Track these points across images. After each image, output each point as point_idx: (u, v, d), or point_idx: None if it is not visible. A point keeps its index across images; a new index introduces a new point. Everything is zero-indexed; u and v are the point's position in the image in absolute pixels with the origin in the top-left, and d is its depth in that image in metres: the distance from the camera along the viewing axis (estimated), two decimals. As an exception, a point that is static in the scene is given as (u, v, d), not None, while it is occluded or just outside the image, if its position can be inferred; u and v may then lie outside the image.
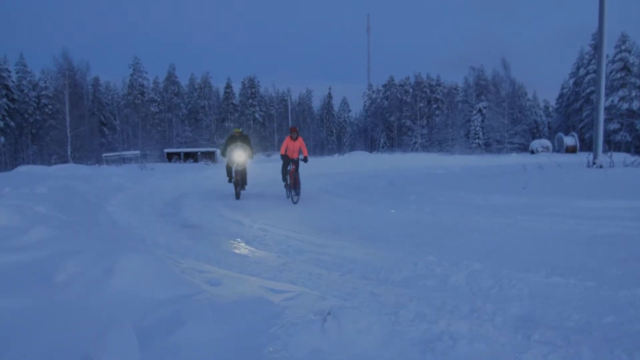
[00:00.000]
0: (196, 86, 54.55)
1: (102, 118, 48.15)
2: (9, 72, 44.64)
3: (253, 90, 55.53)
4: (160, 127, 50.45)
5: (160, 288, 2.59)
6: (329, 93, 60.55)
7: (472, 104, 50.45)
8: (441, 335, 2.36)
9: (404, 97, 54.75)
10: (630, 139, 41.37)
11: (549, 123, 54.03)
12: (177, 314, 2.18)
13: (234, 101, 55.20)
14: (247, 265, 4.07)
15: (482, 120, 47.81)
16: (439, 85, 55.23)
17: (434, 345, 2.25)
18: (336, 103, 62.13)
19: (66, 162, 29.69)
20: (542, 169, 11.27)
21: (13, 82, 44.90)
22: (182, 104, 52.89)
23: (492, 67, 52.93)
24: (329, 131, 59.14)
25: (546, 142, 41.34)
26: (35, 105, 45.42)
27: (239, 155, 9.48)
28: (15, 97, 44.15)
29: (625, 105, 40.98)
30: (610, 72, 40.97)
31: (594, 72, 37.26)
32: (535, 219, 5.80)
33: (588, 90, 43.76)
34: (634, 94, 41.04)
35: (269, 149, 47.80)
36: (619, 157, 13.17)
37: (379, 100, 58.40)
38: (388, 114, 55.91)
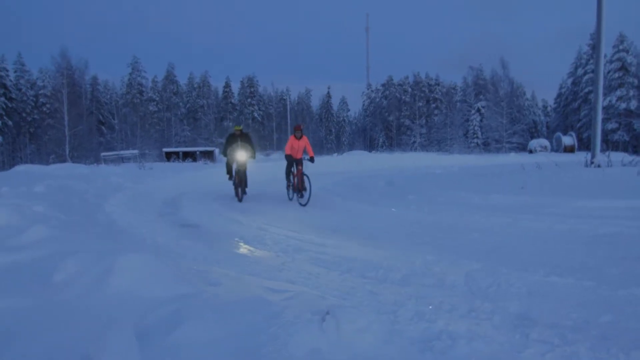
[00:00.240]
0: (195, 85, 54.48)
1: (101, 117, 48.07)
2: (7, 71, 44.54)
3: (252, 89, 55.50)
4: (159, 127, 50.38)
5: (159, 288, 2.59)
6: (328, 92, 60.57)
7: (470, 104, 50.53)
8: (440, 334, 2.37)
9: (403, 97, 54.79)
10: (628, 139, 41.49)
11: (547, 123, 54.15)
12: (176, 313, 2.19)
13: (232, 100, 55.17)
14: (246, 265, 4.07)
15: (481, 120, 47.90)
16: (438, 84, 55.28)
17: (432, 344, 2.26)
18: (335, 102, 62.22)
19: (64, 161, 29.66)
20: (540, 168, 11.29)
21: (11, 81, 44.79)
22: (180, 103, 52.84)
23: (491, 66, 53.12)
24: (327, 130, 59.14)
25: (544, 142, 41.45)
26: (33, 104, 45.32)
27: (240, 155, 9.04)
28: (13, 96, 44.05)
29: (623, 105, 41.09)
30: (608, 72, 41.09)
31: (592, 72, 37.33)
32: (534, 218, 5.81)
33: (586, 90, 43.87)
34: (631, 93, 41.16)
35: (268, 148, 47.81)
36: (617, 156, 13.21)
37: (377, 99, 58.42)
38: (387, 114, 55.94)
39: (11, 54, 50.17)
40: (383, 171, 18.55)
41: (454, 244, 4.69)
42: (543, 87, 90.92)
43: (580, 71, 46.31)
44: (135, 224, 6.31)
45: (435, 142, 49.68)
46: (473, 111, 49.18)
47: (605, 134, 40.03)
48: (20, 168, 17.85)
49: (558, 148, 40.04)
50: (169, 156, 34.89)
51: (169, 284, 2.66)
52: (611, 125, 41.33)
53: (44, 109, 43.13)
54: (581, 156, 13.85)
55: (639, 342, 2.31)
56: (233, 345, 1.97)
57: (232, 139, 9.29)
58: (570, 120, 47.55)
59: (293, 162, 8.87)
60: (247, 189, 9.30)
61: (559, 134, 42.35)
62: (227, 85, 55.58)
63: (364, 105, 61.88)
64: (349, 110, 63.99)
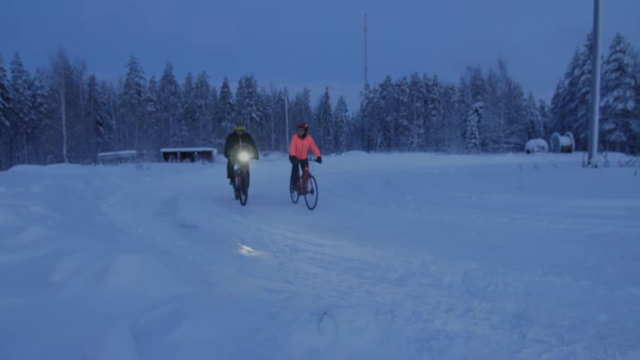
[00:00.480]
0: (193, 85, 54.38)
1: (98, 117, 47.93)
2: (4, 71, 44.36)
3: (250, 89, 55.45)
4: (157, 127, 50.28)
5: (157, 288, 2.58)
6: (326, 93, 60.61)
7: (468, 104, 50.61)
8: (437, 334, 2.37)
9: (401, 97, 54.82)
10: (625, 139, 41.64)
11: (544, 123, 54.28)
12: (174, 313, 2.18)
13: (230, 101, 55.09)
14: (244, 265, 4.06)
15: (479, 120, 47.98)
16: (436, 85, 55.34)
17: (430, 344, 2.26)
18: (333, 103, 62.22)
19: (62, 161, 29.57)
20: (538, 168, 11.32)
21: (8, 81, 44.61)
22: (178, 104, 52.73)
23: (489, 67, 53.27)
24: (326, 131, 59.13)
25: (542, 142, 41.59)
26: (30, 104, 45.16)
27: (243, 156, 8.60)
28: (11, 96, 43.88)
29: (620, 106, 41.24)
30: (605, 73, 41.24)
31: (589, 72, 37.48)
32: (531, 218, 5.82)
33: (583, 91, 44.00)
34: (628, 94, 41.31)
35: (266, 149, 47.78)
36: (614, 156, 13.27)
37: (376, 99, 58.45)
38: (385, 114, 55.98)
39: (8, 53, 49.89)
40: (381, 171, 18.58)
41: (451, 243, 4.69)
42: (540, 87, 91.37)
43: (577, 72, 46.46)
44: (133, 224, 6.29)
45: (433, 143, 49.74)
46: (471, 111, 49.26)
47: (603, 134, 40.18)
48: (18, 168, 17.80)
49: (555, 148, 40.18)
50: (166, 156, 34.82)
51: (166, 284, 2.66)
52: (608, 126, 41.47)
53: (42, 109, 42.98)
54: (578, 156, 13.91)
55: (635, 341, 2.31)
56: (231, 345, 1.97)
57: (234, 140, 8.89)
58: (567, 121, 47.70)
59: (298, 163, 8.34)
60: (248, 189, 8.74)
61: (556, 134, 42.50)
62: (225, 86, 55.51)
63: (362, 105, 61.92)
64: (347, 110, 64.03)
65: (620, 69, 41.74)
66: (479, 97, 49.77)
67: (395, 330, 2.37)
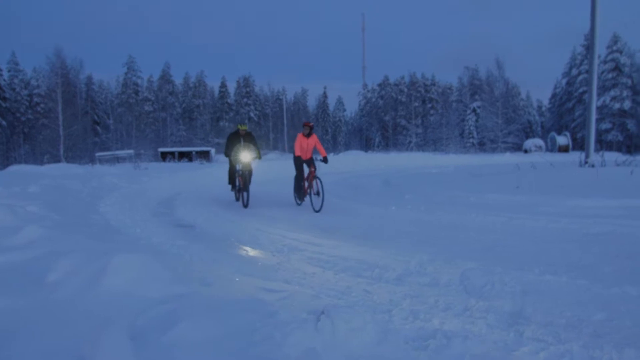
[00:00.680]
0: (191, 85, 54.31)
1: (96, 117, 47.81)
2: (0, 70, 44.22)
3: (248, 89, 55.40)
4: (155, 127, 50.18)
5: (154, 288, 2.58)
6: (324, 92, 60.65)
7: (466, 104, 50.73)
8: (435, 334, 2.38)
9: (399, 97, 54.88)
10: (621, 139, 41.82)
11: (542, 122, 54.46)
12: (171, 313, 2.18)
13: (228, 100, 55.04)
14: (241, 265, 4.06)
15: (476, 120, 48.11)
16: (434, 84, 55.42)
17: (427, 344, 2.27)
18: (331, 102, 62.25)
19: (59, 161, 29.48)
20: (535, 168, 11.35)
21: (4, 80, 44.45)
22: (176, 103, 52.64)
23: (486, 67, 53.38)
24: (324, 130, 59.13)
25: (539, 142, 41.71)
26: (27, 104, 45.00)
27: (245, 156, 8.28)
28: (7, 95, 43.72)
29: (617, 105, 41.41)
30: (602, 73, 41.39)
31: (587, 72, 37.56)
32: (529, 217, 5.84)
33: (580, 90, 44.16)
34: (625, 93, 41.49)
35: (264, 148, 47.71)
36: (611, 156, 13.32)
37: (374, 99, 58.49)
38: (383, 114, 56.02)
39: (4, 53, 49.82)
40: (379, 171, 18.60)
41: (449, 242, 4.70)
42: (538, 87, 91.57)
43: (574, 71, 46.63)
44: (130, 224, 6.28)
45: (431, 142, 49.82)
46: (469, 111, 49.38)
47: (599, 133, 40.33)
48: (14, 168, 17.73)
49: (553, 148, 40.31)
50: (164, 156, 34.73)
51: (164, 284, 2.65)
52: (605, 125, 41.64)
53: (38, 109, 42.85)
54: (575, 156, 13.95)
55: (631, 339, 2.33)
56: (228, 345, 1.97)
57: (235, 139, 8.53)
58: (564, 120, 47.86)
59: (303, 164, 7.98)
60: (249, 190, 8.38)
61: (553, 133, 42.64)
62: (223, 85, 55.46)
63: (360, 105, 61.94)
64: (345, 110, 64.08)
65: (617, 68, 41.92)
66: (476, 96, 49.90)
67: (392, 330, 2.38)
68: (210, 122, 52.41)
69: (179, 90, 54.08)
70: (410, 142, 51.92)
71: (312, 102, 62.75)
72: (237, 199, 8.80)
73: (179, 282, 2.76)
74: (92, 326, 1.96)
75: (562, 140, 40.14)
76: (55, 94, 33.19)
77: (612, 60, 42.07)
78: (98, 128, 47.13)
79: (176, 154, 35.09)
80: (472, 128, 48.30)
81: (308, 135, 8.01)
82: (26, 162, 36.25)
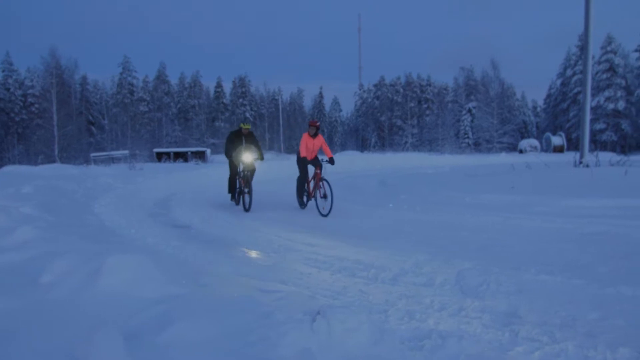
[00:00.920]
0: (186, 85, 54.14)
1: (90, 117, 47.54)
2: (-5, 70, 43.89)
3: (244, 89, 55.31)
4: (150, 127, 49.97)
5: (149, 288, 2.56)
6: (320, 92, 60.62)
7: (461, 104, 50.92)
8: (430, 334, 2.38)
9: (395, 97, 54.99)
10: (616, 139, 42.13)
11: (537, 123, 54.74)
12: (166, 314, 2.17)
13: (224, 100, 54.92)
14: (237, 265, 4.04)
15: (472, 120, 48.29)
16: (429, 85, 55.58)
17: (423, 344, 2.27)
18: (327, 103, 62.26)
19: (53, 162, 29.25)
20: (530, 168, 11.41)
21: (-2, 80, 44.13)
22: (172, 103, 52.46)
23: (482, 67, 53.64)
24: (320, 131, 59.15)
25: (534, 142, 41.94)
26: (21, 104, 44.68)
27: (247, 157, 7.83)
28: (1, 95, 43.41)
29: (611, 106, 41.71)
30: (597, 73, 41.68)
31: (581, 72, 37.79)
32: (524, 217, 5.87)
33: (575, 91, 44.43)
34: (619, 94, 41.79)
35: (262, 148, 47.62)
36: (605, 156, 13.43)
37: (370, 99, 58.57)
38: (379, 114, 56.11)
39: (-1, 52, 49.35)
40: (375, 171, 18.62)
41: (445, 243, 4.71)
42: (533, 87, 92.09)
43: (569, 72, 46.91)
44: (125, 224, 6.24)
45: (426, 143, 49.96)
46: (464, 111, 49.57)
47: (594, 134, 40.61)
48: (8, 169, 17.59)
49: (547, 148, 40.54)
50: (160, 156, 34.56)
51: (159, 285, 2.64)
52: (599, 126, 41.92)
53: (33, 109, 42.53)
54: (570, 156, 14.04)
55: (625, 339, 2.34)
56: (223, 345, 1.96)
57: (237, 139, 8.06)
58: (559, 121, 48.14)
59: (308, 165, 7.60)
60: (252, 190, 7.87)
61: (548, 134, 42.88)
62: (219, 85, 55.34)
63: (356, 105, 62.01)
64: (341, 110, 64.12)
65: (611, 69, 42.22)
66: (472, 97, 50.09)
67: (388, 330, 2.38)
68: (205, 122, 52.26)
69: (174, 91, 53.90)
70: (406, 142, 52.03)
71: (308, 102, 62.81)
72: (237, 203, 8.18)
73: (174, 282, 2.75)
74: (86, 327, 1.95)
75: (557, 140, 40.38)
76: (50, 94, 32.96)
77: (607, 60, 42.37)
78: (93, 128, 46.87)
79: (171, 154, 34.92)
80: (467, 128, 48.49)
81: (314, 136, 7.66)
82: (20, 162, 35.94)
